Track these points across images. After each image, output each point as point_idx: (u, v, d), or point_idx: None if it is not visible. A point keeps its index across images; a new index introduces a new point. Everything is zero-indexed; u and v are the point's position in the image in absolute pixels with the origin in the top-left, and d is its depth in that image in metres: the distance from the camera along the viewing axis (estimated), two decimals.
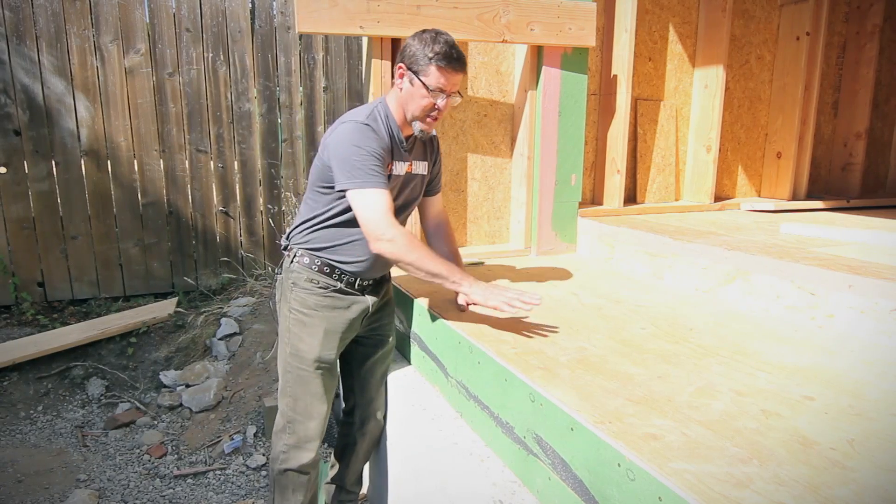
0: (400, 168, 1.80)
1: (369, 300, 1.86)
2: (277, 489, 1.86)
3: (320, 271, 1.77)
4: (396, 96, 1.76)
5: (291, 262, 1.79)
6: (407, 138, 1.82)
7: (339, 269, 1.78)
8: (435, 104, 1.70)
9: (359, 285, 1.82)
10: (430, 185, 2.01)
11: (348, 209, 1.71)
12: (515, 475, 1.44)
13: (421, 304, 2.00)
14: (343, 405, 2.12)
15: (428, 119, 1.73)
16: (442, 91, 1.68)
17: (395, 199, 1.80)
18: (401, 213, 1.87)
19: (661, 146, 3.41)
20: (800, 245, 2.25)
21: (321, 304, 1.77)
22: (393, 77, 1.78)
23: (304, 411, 1.80)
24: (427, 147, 1.94)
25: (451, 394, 1.81)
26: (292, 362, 1.79)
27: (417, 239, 1.72)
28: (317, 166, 1.76)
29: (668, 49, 3.39)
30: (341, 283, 1.79)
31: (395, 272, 2.03)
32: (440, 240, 2.05)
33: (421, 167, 1.89)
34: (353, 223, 1.72)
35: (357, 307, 1.83)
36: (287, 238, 1.86)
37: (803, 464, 1.02)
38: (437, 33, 1.70)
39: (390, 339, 2.03)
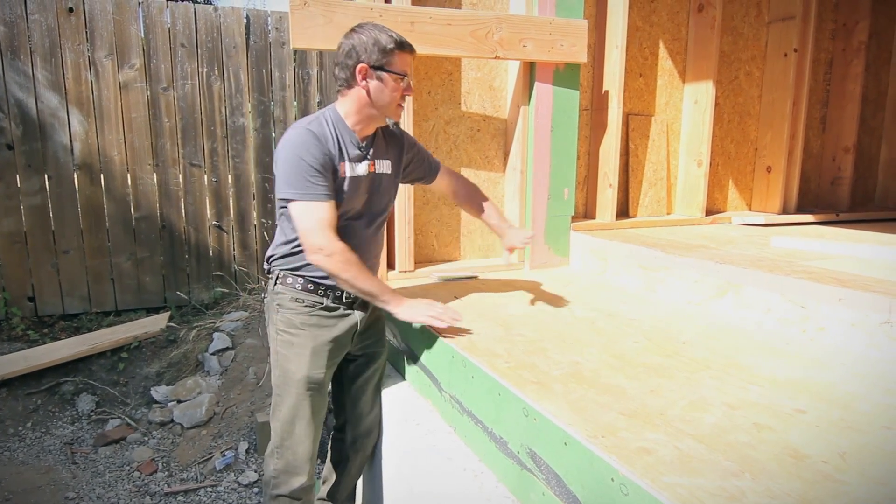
0: (358, 169, 1.76)
1: (357, 316, 1.84)
2: None
3: (304, 290, 1.75)
4: (355, 99, 1.72)
5: (275, 284, 1.78)
6: (364, 139, 1.79)
7: (322, 285, 1.76)
8: (404, 89, 1.73)
9: (346, 299, 1.81)
10: (425, 171, 2.01)
11: None
12: (509, 490, 1.43)
13: None
14: (335, 422, 2.10)
15: (399, 107, 1.76)
16: (406, 74, 1.72)
17: (359, 201, 1.78)
18: (374, 217, 1.84)
19: (652, 161, 3.44)
20: (790, 258, 2.27)
21: (307, 322, 1.75)
22: (351, 83, 1.71)
23: (293, 435, 1.77)
24: (390, 143, 1.90)
25: (444, 408, 1.80)
26: (282, 385, 1.77)
27: (354, 256, 1.69)
28: (276, 184, 1.76)
29: (658, 65, 3.43)
30: (328, 299, 1.77)
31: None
32: (474, 208, 2.11)
33: (385, 166, 1.86)
34: None
35: (345, 324, 1.81)
36: (268, 262, 1.84)
37: (795, 477, 1.02)
38: (373, 26, 1.70)
39: (382, 355, 2.02)
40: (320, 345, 1.76)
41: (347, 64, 1.69)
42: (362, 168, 1.77)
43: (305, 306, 1.75)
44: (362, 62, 1.67)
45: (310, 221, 1.63)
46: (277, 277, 1.78)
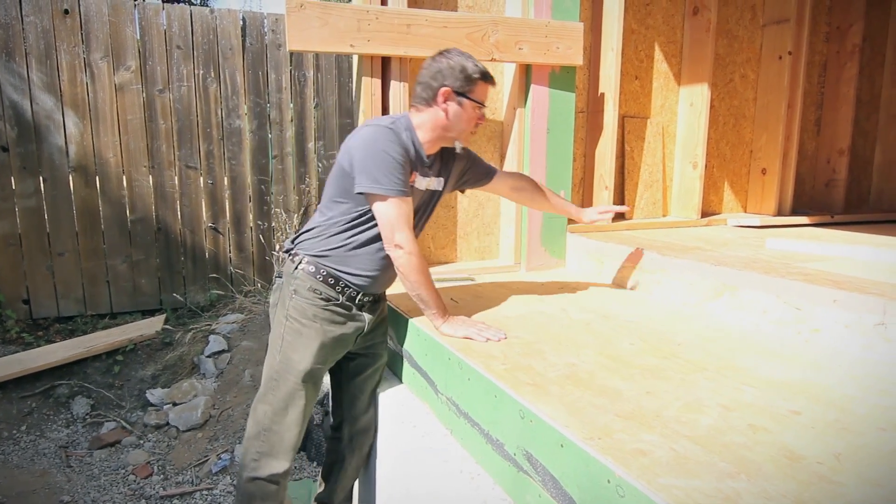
0: (422, 183, 1.84)
1: (366, 318, 1.85)
2: (243, 498, 1.78)
3: (324, 281, 1.75)
4: (432, 118, 1.79)
5: (296, 268, 1.76)
6: (429, 156, 1.85)
7: (343, 280, 1.77)
8: (478, 118, 1.82)
9: (359, 301, 1.81)
10: (480, 177, 2.08)
11: (364, 220, 1.74)
12: (506, 493, 1.43)
13: (414, 323, 2.00)
14: (332, 421, 2.10)
15: (471, 133, 1.84)
16: (483, 104, 1.82)
17: (415, 213, 1.84)
18: (418, 227, 1.91)
19: (648, 163, 3.45)
20: (785, 260, 2.28)
21: (319, 315, 1.74)
22: (430, 103, 1.79)
23: (282, 422, 1.75)
24: (446, 160, 1.96)
25: (441, 411, 1.80)
26: (281, 371, 1.75)
27: (426, 263, 1.78)
28: (335, 173, 1.77)
29: (654, 68, 3.44)
30: (343, 296, 1.78)
31: (389, 290, 2.02)
32: (542, 203, 2.23)
33: (437, 183, 1.93)
34: (366, 236, 1.75)
35: (353, 324, 1.82)
36: (293, 242, 1.83)
37: (791, 478, 1.02)
38: (460, 52, 1.79)
39: (382, 356, 2.02)
40: (328, 340, 1.76)
41: (432, 85, 1.77)
42: (424, 182, 1.85)
43: (321, 299, 1.75)
44: (446, 86, 1.75)
45: (395, 217, 1.69)
46: (300, 262, 1.76)
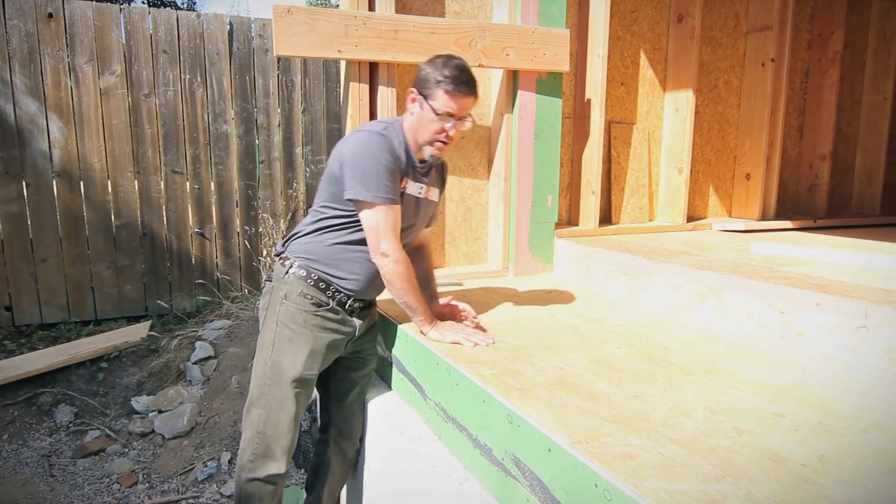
0: (416, 189, 1.82)
1: (356, 324, 1.85)
2: (243, 498, 1.78)
3: (315, 286, 1.74)
4: (409, 121, 1.77)
5: (287, 272, 1.75)
6: (421, 162, 1.82)
7: (334, 284, 1.76)
8: (444, 128, 1.71)
9: (350, 306, 1.81)
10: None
11: (353, 223, 1.73)
12: (494, 497, 1.43)
13: (402, 329, 2.00)
14: (319, 424, 2.09)
15: (437, 143, 1.74)
16: (451, 115, 1.69)
17: (408, 221, 1.82)
18: (408, 235, 1.88)
19: (634, 168, 3.48)
20: (769, 264, 2.31)
21: (310, 321, 1.74)
22: (406, 102, 1.78)
23: (275, 425, 1.75)
24: (439, 175, 1.97)
25: (429, 416, 1.80)
26: (272, 376, 1.74)
27: (412, 270, 1.76)
28: (326, 178, 1.76)
29: (639, 74, 3.48)
30: (333, 301, 1.77)
31: (378, 297, 2.02)
32: (420, 258, 2.03)
33: (434, 194, 1.92)
34: (355, 237, 1.74)
35: (344, 330, 1.82)
36: (283, 245, 1.83)
37: (775, 481, 1.03)
38: (449, 57, 1.71)
39: (371, 362, 2.02)
40: (319, 347, 1.76)
41: (411, 85, 1.75)
42: (417, 188, 1.82)
43: (312, 304, 1.74)
44: (415, 86, 1.73)
45: (382, 224, 1.67)
46: (291, 266, 1.75)
